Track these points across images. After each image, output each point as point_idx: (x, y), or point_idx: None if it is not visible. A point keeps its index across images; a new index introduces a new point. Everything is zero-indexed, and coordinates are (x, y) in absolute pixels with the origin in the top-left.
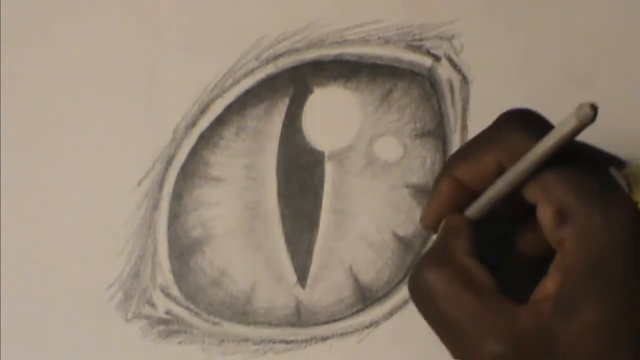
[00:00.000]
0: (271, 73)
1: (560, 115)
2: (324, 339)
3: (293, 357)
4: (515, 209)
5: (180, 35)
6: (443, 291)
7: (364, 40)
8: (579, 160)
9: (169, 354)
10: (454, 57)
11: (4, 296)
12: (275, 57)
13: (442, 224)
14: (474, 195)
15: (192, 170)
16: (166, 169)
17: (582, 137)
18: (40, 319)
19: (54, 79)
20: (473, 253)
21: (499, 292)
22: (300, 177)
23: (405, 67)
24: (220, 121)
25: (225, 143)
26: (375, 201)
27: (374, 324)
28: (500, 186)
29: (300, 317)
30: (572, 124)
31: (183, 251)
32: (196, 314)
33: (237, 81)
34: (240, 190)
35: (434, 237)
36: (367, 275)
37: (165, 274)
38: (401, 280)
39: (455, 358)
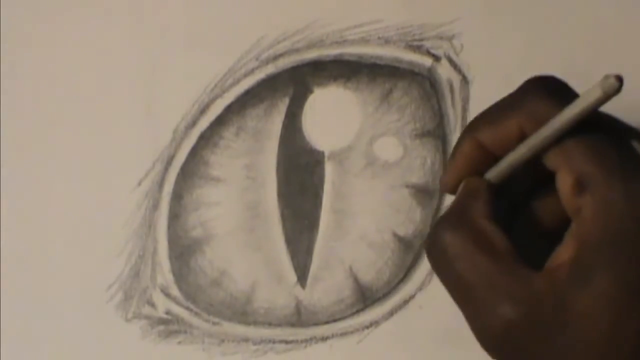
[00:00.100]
0: (271, 73)
1: None
2: (324, 339)
3: (293, 357)
4: (535, 176)
5: (180, 35)
6: (459, 252)
7: (364, 40)
8: (601, 131)
9: (169, 354)
10: (454, 57)
11: (4, 296)
12: (275, 57)
13: (461, 185)
14: (494, 159)
15: (192, 170)
16: (166, 169)
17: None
18: (40, 319)
19: (54, 79)
20: (491, 216)
21: (514, 257)
22: (300, 177)
23: (405, 67)
24: (220, 121)
25: (225, 143)
26: (375, 201)
27: (374, 324)
28: (521, 151)
29: (300, 317)
30: (596, 94)
31: (183, 251)
32: (196, 314)
33: (237, 81)
34: (240, 190)
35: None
36: (367, 275)
37: (165, 274)
38: (401, 280)
39: (467, 320)
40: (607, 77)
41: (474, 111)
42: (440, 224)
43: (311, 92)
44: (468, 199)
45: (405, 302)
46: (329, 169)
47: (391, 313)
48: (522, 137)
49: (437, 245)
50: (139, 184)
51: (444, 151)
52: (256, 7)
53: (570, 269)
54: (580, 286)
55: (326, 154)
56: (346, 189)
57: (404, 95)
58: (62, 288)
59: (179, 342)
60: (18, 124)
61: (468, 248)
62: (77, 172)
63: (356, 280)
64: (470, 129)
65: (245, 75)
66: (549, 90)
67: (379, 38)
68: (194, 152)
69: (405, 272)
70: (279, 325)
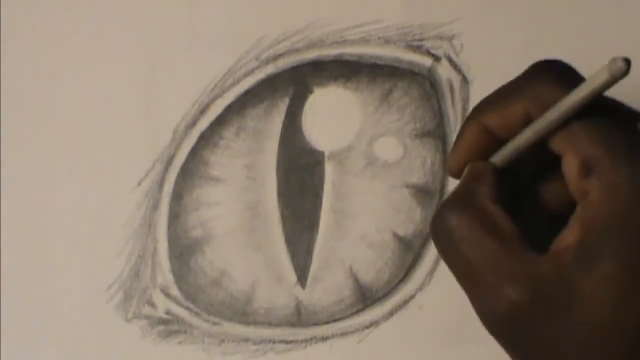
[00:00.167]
0: (271, 73)
1: None
2: (324, 339)
3: (293, 357)
4: (541, 160)
5: (180, 35)
6: (464, 234)
7: (364, 40)
8: (608, 115)
9: (169, 354)
10: (454, 57)
11: (4, 296)
12: (275, 57)
13: (467, 169)
14: (500, 143)
15: (192, 170)
16: (166, 169)
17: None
18: (40, 319)
19: (54, 79)
20: (496, 199)
21: (520, 239)
22: (300, 177)
23: (405, 67)
24: (220, 121)
25: (225, 143)
26: (375, 201)
27: (374, 324)
28: (527, 135)
29: (300, 317)
30: (603, 77)
31: (183, 251)
32: (196, 314)
33: (237, 81)
34: (240, 190)
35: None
36: (367, 275)
37: (165, 274)
38: (401, 280)
39: (472, 302)
40: (614, 59)
41: None
42: (446, 207)
43: (311, 92)
44: (473, 183)
45: (405, 302)
46: (329, 169)
47: (391, 313)
48: (527, 121)
49: (443, 227)
50: (139, 184)
51: (444, 151)
52: (256, 7)
53: (576, 252)
54: (586, 269)
55: (326, 154)
56: (346, 189)
57: (404, 95)
58: (62, 288)
59: (179, 342)
60: (18, 124)
61: (474, 231)
62: (77, 172)
63: (356, 280)
64: (475, 113)
65: (245, 75)
66: (555, 74)
67: (379, 38)
68: (194, 152)
69: (405, 272)
70: (279, 325)
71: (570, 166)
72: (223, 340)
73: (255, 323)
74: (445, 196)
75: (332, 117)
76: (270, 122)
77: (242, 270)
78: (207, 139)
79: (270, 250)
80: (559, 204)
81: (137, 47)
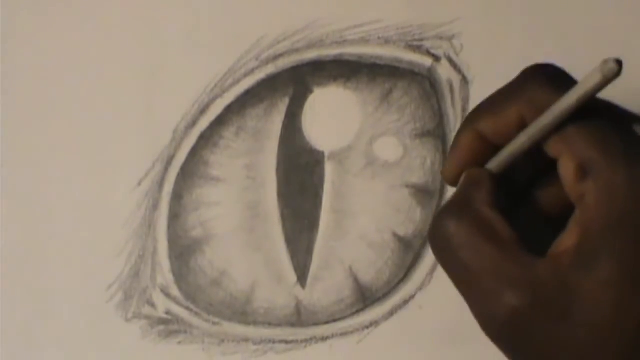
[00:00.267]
0: (271, 73)
1: None
2: (324, 339)
3: (293, 357)
4: (537, 165)
5: (180, 36)
6: (463, 241)
7: (364, 40)
8: (603, 117)
9: (169, 354)
10: (454, 57)
11: (4, 296)
12: (275, 57)
13: (463, 176)
14: (495, 149)
15: (192, 170)
16: (166, 169)
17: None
18: (40, 319)
19: (54, 79)
20: (494, 205)
21: (518, 244)
22: (300, 177)
23: (405, 67)
24: (220, 121)
25: (225, 143)
26: (375, 201)
27: (374, 324)
28: (522, 140)
29: (300, 317)
30: (596, 79)
31: (183, 251)
32: (196, 314)
33: (237, 81)
34: (240, 190)
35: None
36: (367, 275)
37: (165, 274)
38: (401, 280)
39: (472, 309)
40: (606, 61)
41: None
42: (444, 214)
43: (311, 92)
44: (471, 189)
45: (405, 302)
46: (329, 169)
47: (391, 313)
48: (522, 125)
49: (441, 235)
50: (139, 184)
51: (444, 151)
52: (256, 7)
53: (574, 255)
54: (584, 272)
55: (326, 154)
56: (346, 189)
57: (404, 95)
58: (62, 288)
59: (179, 342)
60: (18, 124)
61: (472, 237)
62: (77, 172)
63: (356, 280)
64: (470, 120)
65: (245, 75)
66: (548, 77)
67: (379, 38)
68: (194, 152)
69: (405, 272)
70: (279, 325)
71: (566, 169)
72: (223, 340)
73: (255, 323)
74: (445, 197)
75: (332, 117)
76: (270, 122)
77: (242, 270)
78: (207, 139)
79: (270, 250)
80: (557, 207)
81: (137, 47)
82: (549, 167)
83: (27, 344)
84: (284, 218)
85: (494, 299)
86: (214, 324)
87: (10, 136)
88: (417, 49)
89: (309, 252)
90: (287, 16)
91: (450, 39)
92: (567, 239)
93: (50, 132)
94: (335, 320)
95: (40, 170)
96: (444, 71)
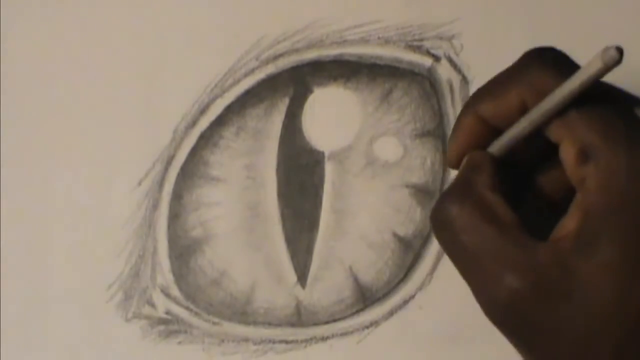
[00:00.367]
0: (271, 73)
1: None
2: (324, 339)
3: (293, 357)
4: (538, 149)
5: (180, 36)
6: (464, 224)
7: (364, 40)
8: (604, 101)
9: (169, 354)
10: (454, 57)
11: (4, 296)
12: (275, 57)
13: (465, 159)
14: (496, 132)
15: (192, 170)
16: (166, 169)
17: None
18: (40, 319)
19: (54, 79)
20: (495, 188)
21: (519, 228)
22: (300, 177)
23: (405, 67)
24: (220, 121)
25: (225, 143)
26: (375, 201)
27: (374, 324)
28: (523, 124)
29: (300, 317)
30: (597, 65)
31: (183, 251)
32: (196, 314)
33: (237, 81)
34: (240, 190)
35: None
36: (367, 275)
37: (165, 274)
38: (401, 280)
39: (474, 292)
40: (607, 48)
41: None
42: (445, 198)
43: (311, 92)
44: (472, 173)
45: (405, 302)
46: (329, 169)
47: (391, 313)
48: (523, 109)
49: (443, 218)
50: (139, 184)
51: (444, 151)
52: (256, 7)
53: (575, 239)
54: (585, 256)
55: (326, 154)
56: (346, 189)
57: (404, 95)
58: (62, 288)
59: (179, 342)
60: (18, 124)
61: (474, 220)
62: (77, 172)
63: (356, 280)
64: (471, 103)
65: (245, 75)
66: (549, 61)
67: (379, 38)
68: (194, 152)
69: (405, 272)
70: (279, 325)
71: (567, 153)
72: (223, 340)
73: (255, 323)
74: None
75: (332, 117)
76: (270, 122)
77: (242, 270)
78: (207, 139)
79: (270, 250)
80: (558, 191)
81: (137, 47)
82: (551, 151)
83: (27, 344)
84: (284, 218)
85: (495, 282)
86: (214, 324)
87: (10, 136)
88: (417, 49)
89: (309, 252)
90: (287, 16)
91: (450, 39)
92: (568, 223)
93: (50, 132)
94: (335, 320)
95: (40, 170)
96: (444, 71)
